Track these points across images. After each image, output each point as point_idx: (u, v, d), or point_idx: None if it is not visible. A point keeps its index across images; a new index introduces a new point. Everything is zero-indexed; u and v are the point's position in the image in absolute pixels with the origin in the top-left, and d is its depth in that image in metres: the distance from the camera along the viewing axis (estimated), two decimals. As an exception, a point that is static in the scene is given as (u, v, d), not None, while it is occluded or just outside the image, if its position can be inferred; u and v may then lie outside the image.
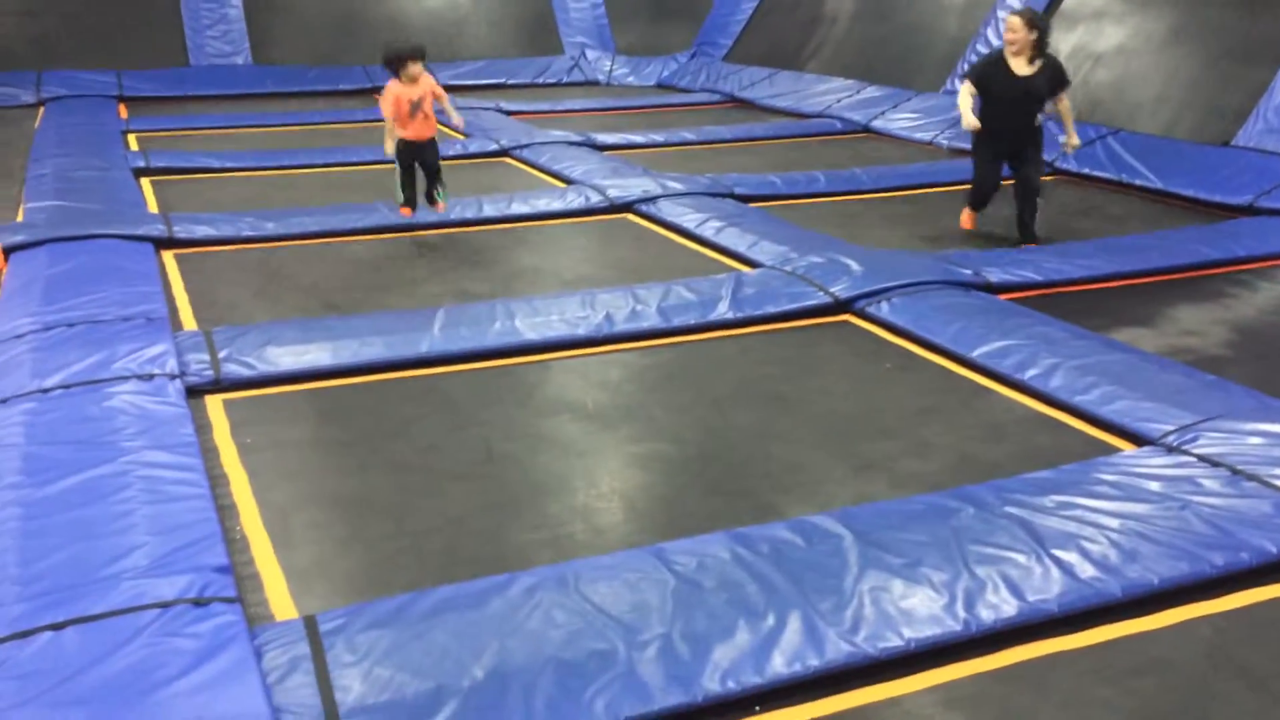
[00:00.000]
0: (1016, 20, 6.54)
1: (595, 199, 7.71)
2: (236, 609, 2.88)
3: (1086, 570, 3.10)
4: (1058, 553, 3.18)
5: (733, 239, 6.66)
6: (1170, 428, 3.95)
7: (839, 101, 11.56)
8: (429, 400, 4.54)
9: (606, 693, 2.60)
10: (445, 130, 9.53)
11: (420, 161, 6.81)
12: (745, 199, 7.84)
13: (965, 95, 6.72)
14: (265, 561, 3.32)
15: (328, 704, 2.55)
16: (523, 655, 2.74)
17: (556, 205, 7.62)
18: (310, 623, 2.85)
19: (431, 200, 6.97)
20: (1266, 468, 3.59)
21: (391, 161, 6.86)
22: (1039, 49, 6.49)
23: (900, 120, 10.62)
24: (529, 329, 5.12)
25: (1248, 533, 3.28)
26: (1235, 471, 3.59)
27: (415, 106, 6.57)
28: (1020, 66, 6.50)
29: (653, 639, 2.81)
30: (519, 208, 7.54)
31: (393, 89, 6.54)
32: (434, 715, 2.52)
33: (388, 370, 4.78)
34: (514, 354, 4.98)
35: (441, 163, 6.99)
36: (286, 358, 4.73)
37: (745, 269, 6.18)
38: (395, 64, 6.50)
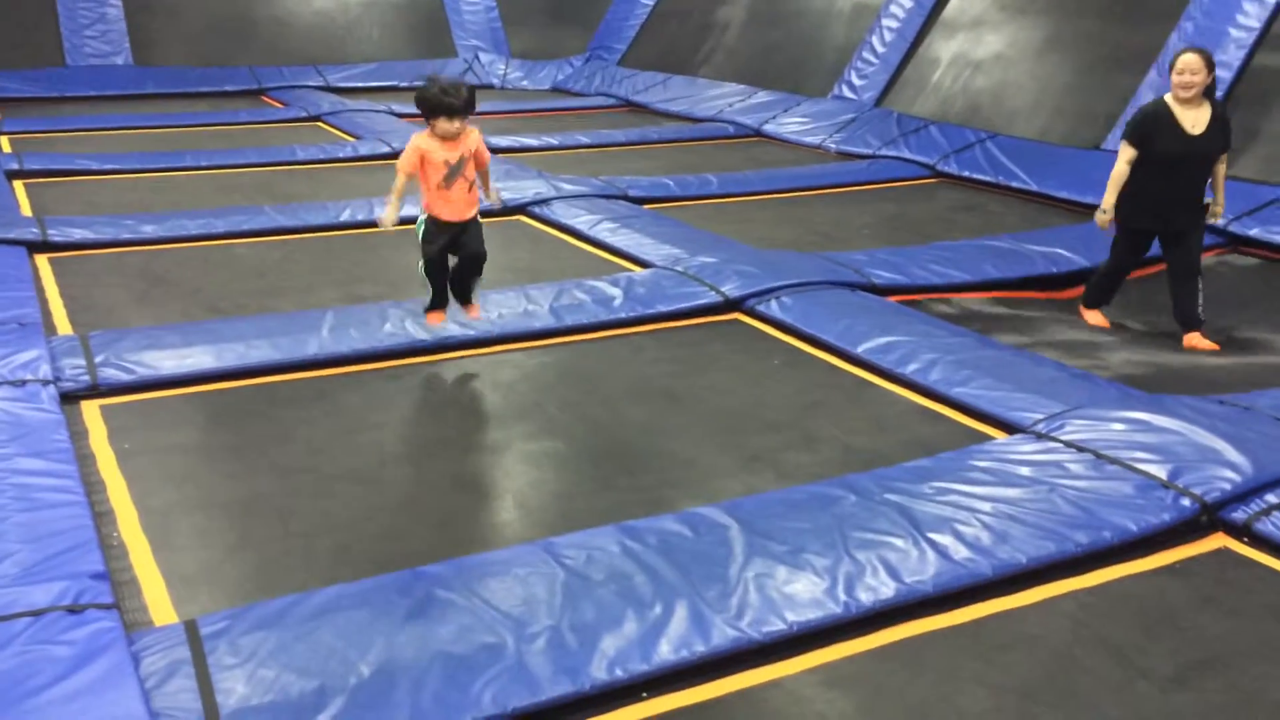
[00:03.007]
0: (1195, 59, 5.12)
1: (485, 203, 7.67)
2: (113, 615, 2.81)
3: (960, 552, 3.23)
4: (933, 536, 3.29)
5: (626, 240, 6.71)
6: (1040, 416, 4.13)
7: (731, 106, 11.74)
8: (318, 403, 4.48)
9: (495, 685, 2.62)
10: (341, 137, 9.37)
11: (457, 250, 4.76)
12: (639, 201, 7.92)
13: (1123, 164, 5.27)
14: (144, 567, 3.25)
15: (209, 707, 2.51)
16: (410, 651, 2.73)
17: (449, 208, 7.56)
18: (191, 627, 2.80)
19: (466, 302, 4.97)
20: (1128, 452, 3.77)
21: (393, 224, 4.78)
22: (1210, 96, 5.27)
23: (790, 124, 10.83)
24: (420, 330, 5.09)
25: (1110, 513, 3.44)
26: (1099, 456, 3.76)
27: (453, 171, 4.58)
28: (1190, 119, 5.19)
29: (541, 631, 2.83)
30: (410, 210, 7.45)
31: (419, 144, 4.57)
32: (319, 713, 2.51)
33: (275, 373, 4.71)
34: (405, 355, 4.95)
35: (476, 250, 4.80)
36: (168, 361, 4.62)
37: (638, 269, 6.24)
38: (430, 112, 4.52)
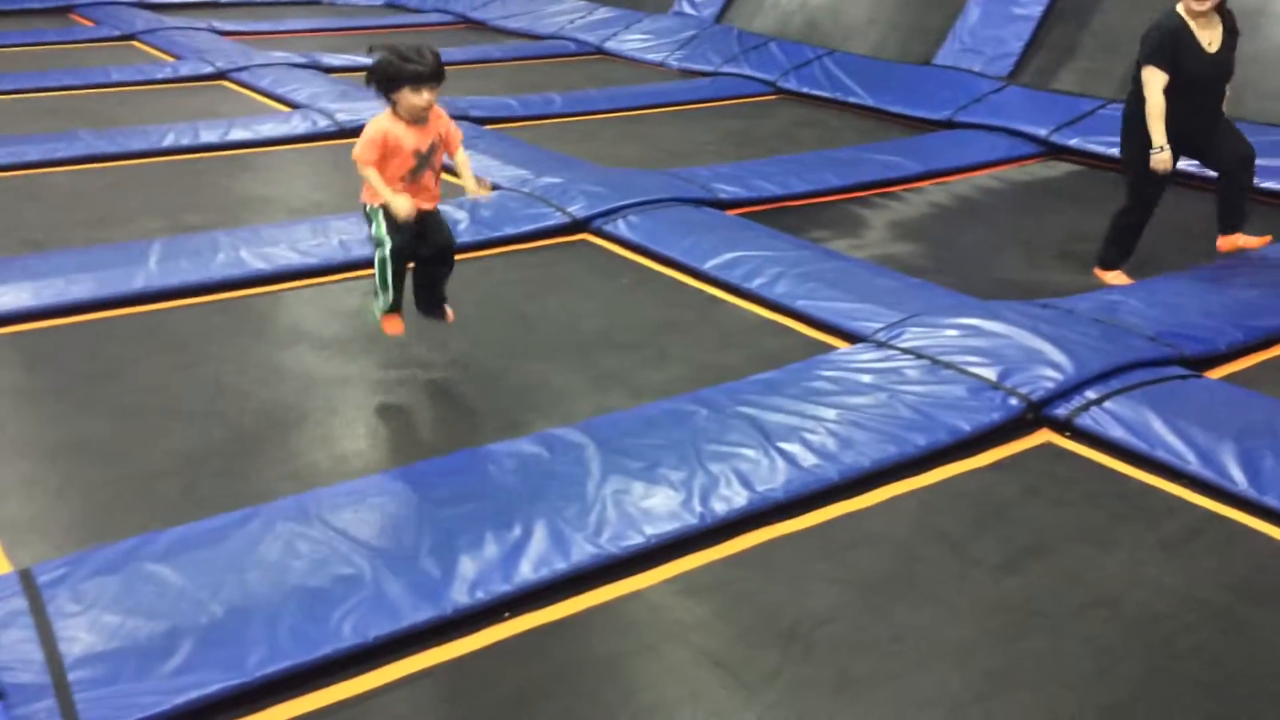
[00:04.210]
0: None
1: (324, 124, 7.41)
2: (-62, 569, 2.66)
3: (808, 459, 3.34)
4: (783, 445, 3.40)
5: (470, 162, 6.56)
6: (879, 325, 4.28)
7: (572, 23, 11.54)
8: (150, 339, 4.28)
9: (354, 615, 2.60)
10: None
11: (421, 250, 3.89)
12: (481, 121, 7.74)
13: (1159, 92, 4.63)
14: (-30, 518, 3.07)
15: (51, 656, 2.41)
16: (264, 588, 2.68)
17: (281, 130, 7.28)
18: (26, 576, 2.67)
19: (437, 307, 4.09)
20: (961, 356, 3.95)
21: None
22: (1221, 7, 4.74)
23: (632, 41, 10.73)
24: (257, 259, 4.90)
25: (946, 415, 3.61)
26: (935, 362, 3.94)
27: (421, 161, 3.75)
28: (1208, 35, 4.68)
29: (400, 559, 2.81)
30: (240, 134, 7.14)
31: (383, 129, 3.68)
32: (170, 656, 2.44)
33: (100, 309, 4.47)
34: (242, 286, 4.77)
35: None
36: (-19, 301, 4.33)
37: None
38: (390, 86, 3.65)
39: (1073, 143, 7.20)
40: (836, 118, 8.43)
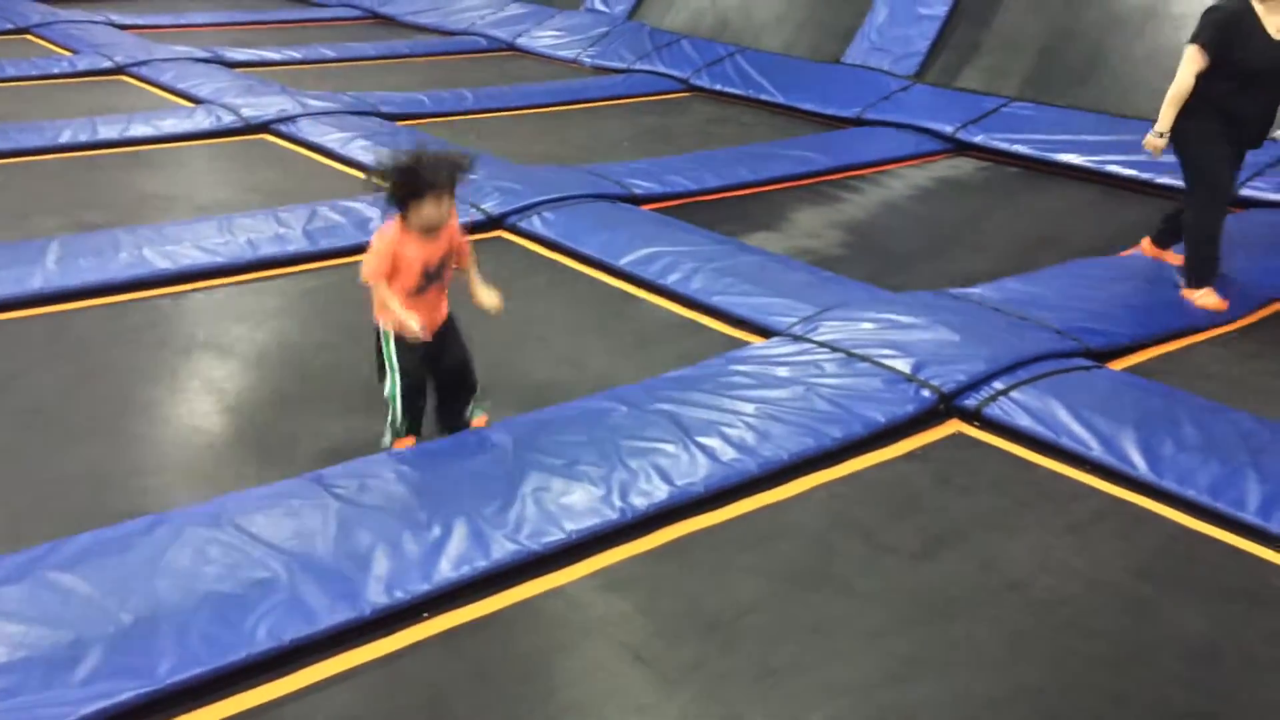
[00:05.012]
0: None
1: (228, 119, 7.23)
2: None
3: (728, 453, 3.37)
4: (702, 440, 3.42)
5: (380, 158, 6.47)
6: (794, 319, 4.33)
7: (483, 19, 11.45)
8: (48, 342, 4.13)
9: (269, 618, 2.54)
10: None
11: (439, 372, 3.49)
12: (392, 117, 7.65)
13: (1190, 75, 4.28)
14: None
15: (-52, 672, 2.32)
16: (175, 594, 2.61)
17: (185, 126, 7.09)
18: (-80, 589, 2.56)
19: (457, 429, 3.57)
20: (876, 349, 4.02)
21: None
22: None
23: (544, 38, 10.69)
24: (161, 258, 4.76)
25: (861, 407, 3.67)
26: (850, 354, 4.00)
27: (431, 276, 3.35)
28: (1275, 24, 4.26)
29: (316, 561, 2.76)
30: (141, 129, 6.93)
31: (392, 242, 3.28)
32: (75, 666, 2.36)
33: (-4, 311, 4.30)
34: (145, 286, 4.63)
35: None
36: None
37: (395, 188, 6.05)
38: (408, 195, 3.23)
39: (978, 139, 7.37)
40: (749, 114, 8.50)
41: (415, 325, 3.22)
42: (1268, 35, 4.22)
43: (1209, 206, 4.51)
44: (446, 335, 3.45)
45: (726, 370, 3.90)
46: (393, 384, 3.38)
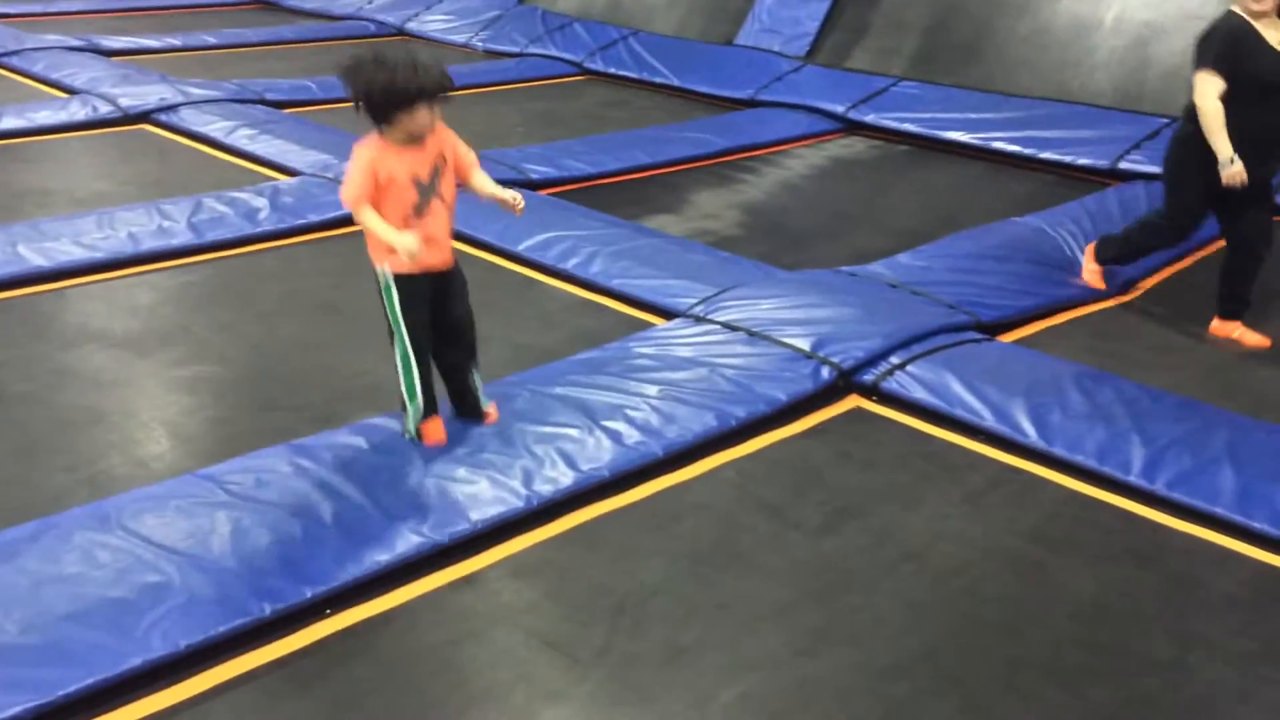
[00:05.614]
0: None
1: (105, 109, 6.96)
2: None
3: (632, 436, 3.37)
4: (607, 423, 3.41)
5: (267, 147, 6.31)
6: (695, 300, 4.35)
7: (371, 3, 11.22)
8: (-84, 344, 3.93)
9: (163, 624, 2.46)
10: None
11: (441, 322, 3.23)
12: (278, 105, 7.45)
13: (1216, 99, 4.11)
14: None
15: None
16: (63, 602, 2.51)
17: (59, 118, 6.81)
18: None
19: (469, 401, 3.38)
20: (776, 328, 4.06)
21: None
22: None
23: (435, 22, 10.52)
24: (37, 255, 4.57)
25: (763, 385, 3.71)
26: (751, 334, 4.03)
27: (427, 190, 3.05)
28: (1275, 36, 4.15)
29: (210, 562, 2.68)
30: (12, 122, 6.63)
31: (370, 157, 2.97)
32: (-42, 684, 2.25)
33: None
34: (20, 284, 4.43)
35: None
36: None
37: (283, 178, 5.90)
38: (384, 107, 2.94)
39: (869, 119, 7.50)
40: (643, 97, 8.50)
41: (412, 244, 2.88)
42: (1272, 49, 4.14)
43: (1164, 231, 4.55)
44: (453, 284, 3.20)
45: (629, 353, 3.90)
46: (401, 344, 3.12)
